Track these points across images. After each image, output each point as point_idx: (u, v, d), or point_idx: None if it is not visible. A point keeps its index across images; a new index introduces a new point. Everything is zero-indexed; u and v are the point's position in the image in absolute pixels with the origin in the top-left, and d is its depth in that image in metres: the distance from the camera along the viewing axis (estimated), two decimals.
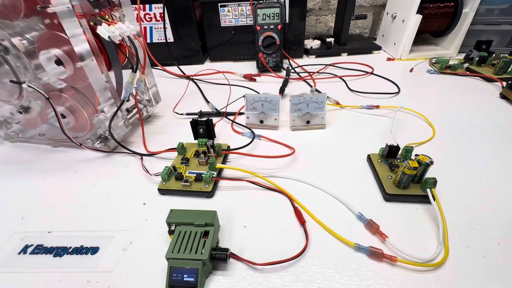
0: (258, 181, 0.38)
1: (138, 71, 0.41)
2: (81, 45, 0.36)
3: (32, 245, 0.32)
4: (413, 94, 0.62)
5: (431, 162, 0.32)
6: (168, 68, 0.80)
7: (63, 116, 0.44)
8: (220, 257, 0.27)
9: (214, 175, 0.38)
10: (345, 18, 0.82)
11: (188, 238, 0.28)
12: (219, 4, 0.77)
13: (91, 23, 0.37)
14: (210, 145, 0.42)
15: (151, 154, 0.46)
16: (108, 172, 0.44)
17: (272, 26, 0.73)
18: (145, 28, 0.80)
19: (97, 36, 0.39)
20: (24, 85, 0.38)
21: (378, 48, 0.87)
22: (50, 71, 0.38)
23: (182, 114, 0.58)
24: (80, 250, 0.31)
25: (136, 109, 0.50)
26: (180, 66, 0.81)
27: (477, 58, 0.69)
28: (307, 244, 0.30)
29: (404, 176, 0.33)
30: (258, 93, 0.66)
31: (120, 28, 0.37)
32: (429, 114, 0.52)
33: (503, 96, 0.57)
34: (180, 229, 0.29)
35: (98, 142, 0.44)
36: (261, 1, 0.73)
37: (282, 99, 0.62)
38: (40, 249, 0.31)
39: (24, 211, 0.37)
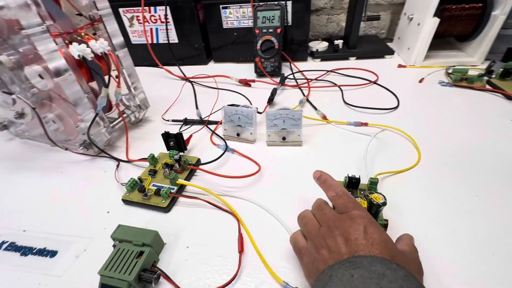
0: (213, 200, 0.39)
1: (111, 85, 0.43)
2: (57, 62, 0.39)
3: (7, 242, 0.37)
4: (413, 111, 0.56)
5: (384, 204, 0.30)
6: (171, 68, 0.82)
7: (54, 122, 0.48)
8: (146, 280, 0.29)
9: (173, 191, 0.40)
10: (355, 19, 0.77)
11: (124, 256, 0.30)
12: (220, 6, 0.76)
13: (66, 42, 0.40)
14: (176, 159, 0.43)
15: (128, 161, 0.49)
16: (88, 176, 0.47)
17: (271, 30, 0.70)
18: (151, 29, 0.82)
19: None
20: (13, 96, 0.42)
21: (391, 52, 0.80)
22: (35, 83, 0.42)
23: (168, 120, 0.60)
24: (42, 252, 0.35)
25: (119, 112, 0.53)
26: (185, 66, 0.83)
27: (501, 70, 0.61)
28: (235, 275, 0.30)
29: None
30: (249, 100, 0.66)
31: (93, 45, 0.39)
32: (421, 136, 0.48)
33: None
34: (119, 247, 0.31)
35: (81, 147, 0.48)
36: (262, 3, 0.71)
37: (269, 109, 0.61)
38: (12, 247, 0.36)
39: (9, 208, 0.42)
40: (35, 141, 0.58)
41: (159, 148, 0.49)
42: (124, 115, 0.54)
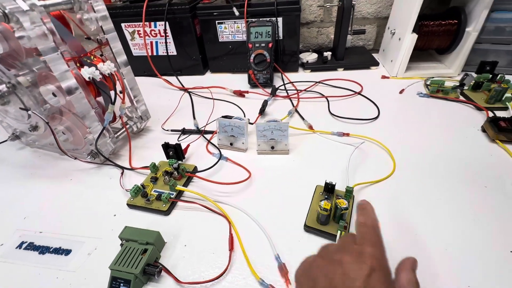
0: (208, 205, 0.44)
1: (117, 102, 0.48)
2: (69, 82, 0.44)
3: (26, 242, 0.42)
4: (391, 121, 0.62)
5: (346, 208, 0.35)
6: (170, 78, 0.87)
7: (63, 133, 0.53)
8: (150, 273, 0.34)
9: (172, 196, 0.45)
10: (342, 32, 0.82)
11: (131, 253, 0.35)
12: (216, 22, 0.82)
13: (78, 65, 0.45)
14: (175, 168, 0.48)
15: (131, 169, 0.54)
16: (95, 182, 0.52)
17: (263, 44, 0.76)
18: (151, 42, 0.88)
19: None
20: (29, 112, 0.47)
21: (376, 63, 0.86)
22: (49, 100, 0.47)
23: (167, 130, 0.65)
24: (58, 251, 0.40)
25: (123, 124, 0.58)
26: (182, 77, 0.88)
27: (473, 83, 0.66)
28: (226, 270, 0.35)
29: (319, 213, 0.36)
30: (243, 110, 0.71)
31: (101, 67, 0.44)
32: (397, 147, 0.53)
33: (483, 130, 0.55)
34: (126, 245, 0.36)
35: (89, 157, 0.53)
36: (254, 20, 0.76)
37: (261, 119, 0.66)
38: (31, 246, 0.41)
39: (26, 212, 0.47)
40: (45, 150, 0.63)
41: (159, 156, 0.54)
42: (127, 126, 0.59)
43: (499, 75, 0.66)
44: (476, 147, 0.52)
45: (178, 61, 0.90)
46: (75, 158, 0.54)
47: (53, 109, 0.52)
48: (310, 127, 0.61)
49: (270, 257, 0.37)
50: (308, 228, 0.39)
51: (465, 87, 0.67)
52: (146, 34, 0.85)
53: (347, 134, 0.57)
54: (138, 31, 0.86)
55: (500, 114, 0.59)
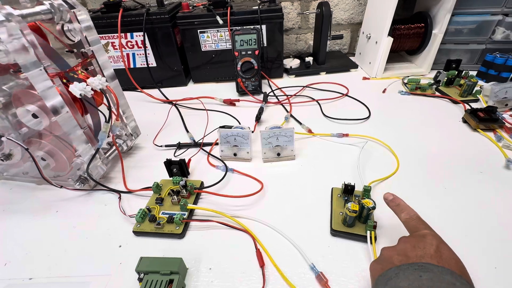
0: (225, 221, 0.41)
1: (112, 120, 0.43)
2: (54, 100, 0.39)
3: None
4: (383, 119, 0.65)
5: (373, 208, 0.36)
6: (151, 91, 0.82)
7: (43, 159, 0.46)
8: None
9: (185, 216, 0.41)
10: (322, 38, 0.85)
11: (155, 287, 0.31)
12: (198, 31, 0.79)
13: (64, 80, 0.40)
14: (182, 185, 0.44)
15: (129, 192, 0.49)
16: (88, 211, 0.46)
17: (250, 52, 0.75)
18: (127, 54, 0.82)
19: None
20: (3, 138, 0.41)
21: (355, 66, 0.90)
22: (27, 122, 0.41)
23: (161, 146, 0.60)
24: None
25: (114, 144, 0.53)
26: (164, 89, 0.84)
27: (445, 79, 0.73)
28: None
29: (347, 216, 0.36)
30: (237, 119, 0.69)
31: (91, 82, 0.39)
32: (395, 143, 0.55)
33: (464, 121, 0.60)
34: (147, 278, 0.32)
35: (77, 183, 0.46)
36: (239, 28, 0.75)
37: (258, 126, 0.65)
38: None
39: (7, 257, 0.40)
40: (16, 181, 0.54)
41: (156, 175, 0.50)
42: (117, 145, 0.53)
43: (464, 71, 0.74)
44: (462, 137, 0.57)
45: (159, 72, 0.85)
46: (61, 187, 0.47)
47: (30, 133, 0.45)
48: (310, 131, 0.61)
49: (304, 267, 0.35)
50: (335, 232, 0.38)
51: (440, 84, 0.74)
52: (122, 46, 0.80)
53: (347, 135, 0.59)
54: (113, 43, 0.80)
55: (473, 105, 0.65)
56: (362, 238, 0.37)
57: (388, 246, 0.30)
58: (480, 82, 0.73)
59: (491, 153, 0.51)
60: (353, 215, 0.36)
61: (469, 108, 0.61)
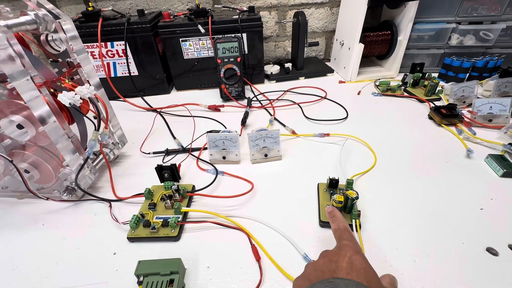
0: (220, 221, 0.43)
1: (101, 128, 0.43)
2: (41, 109, 0.38)
3: None
4: (359, 119, 0.70)
5: (357, 198, 0.39)
6: (133, 100, 0.82)
7: (27, 172, 0.45)
8: None
9: (179, 219, 0.42)
10: (300, 45, 0.90)
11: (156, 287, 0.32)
12: (180, 40, 0.81)
13: (52, 89, 0.39)
14: (175, 190, 0.45)
15: (120, 200, 0.48)
16: (77, 222, 0.45)
17: (232, 59, 0.78)
18: (108, 63, 0.81)
19: (56, 96, 0.41)
20: None
21: (331, 71, 0.96)
22: (11, 133, 0.40)
23: (149, 153, 0.60)
24: None
25: (102, 153, 0.53)
26: (147, 97, 0.84)
27: (412, 81, 0.80)
28: (261, 280, 0.34)
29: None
30: (223, 124, 0.71)
31: (80, 91, 0.40)
32: (371, 139, 0.60)
33: (430, 117, 0.67)
34: (147, 280, 0.33)
35: (65, 194, 0.46)
36: (220, 36, 0.78)
37: (244, 130, 0.67)
38: None
39: None
40: None
41: (146, 182, 0.50)
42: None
43: (427, 73, 0.82)
44: (429, 131, 0.63)
45: (141, 81, 0.85)
46: (47, 199, 0.46)
47: (13, 145, 0.44)
48: (293, 132, 0.64)
49: (298, 257, 0.37)
50: (323, 223, 0.41)
51: (407, 86, 0.81)
52: (102, 55, 0.79)
53: (328, 134, 0.63)
54: (92, 52, 0.79)
55: (437, 103, 0.72)
56: (350, 227, 0.40)
57: (313, 261, 0.30)
58: (441, 83, 0.81)
59: (454, 145, 0.58)
60: (339, 205, 0.39)
61: (433, 106, 0.68)
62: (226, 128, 0.69)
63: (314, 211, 0.44)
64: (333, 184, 0.45)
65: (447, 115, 0.63)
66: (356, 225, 0.39)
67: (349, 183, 0.45)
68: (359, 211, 0.40)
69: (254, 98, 0.81)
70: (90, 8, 0.76)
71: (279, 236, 0.41)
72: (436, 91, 0.75)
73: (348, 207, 0.41)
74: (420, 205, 0.44)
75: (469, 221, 0.41)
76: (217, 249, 0.40)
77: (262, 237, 0.41)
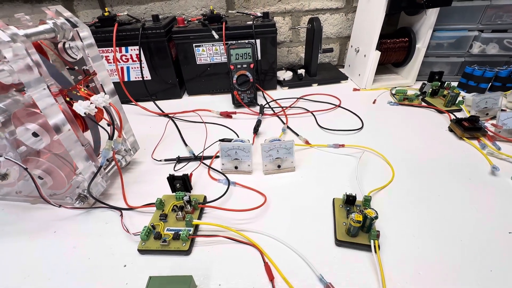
0: (231, 235, 0.42)
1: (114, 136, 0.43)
2: (57, 118, 0.38)
3: None
4: (375, 129, 0.68)
5: (376, 217, 0.37)
6: (146, 104, 0.82)
7: (40, 178, 0.45)
8: None
9: (190, 232, 0.41)
10: (313, 51, 0.88)
11: None
12: (194, 45, 0.81)
13: (67, 98, 0.39)
14: (187, 201, 0.44)
15: (131, 209, 0.48)
16: (88, 230, 0.45)
17: (245, 65, 0.77)
18: (121, 68, 0.82)
19: (72, 104, 0.41)
20: (1, 158, 0.39)
21: (346, 78, 0.94)
22: (26, 141, 0.40)
23: (160, 160, 0.60)
24: None
25: (114, 160, 0.52)
26: (159, 101, 0.84)
27: (430, 90, 0.77)
28: None
29: (351, 226, 0.38)
30: (234, 131, 0.70)
31: (95, 100, 0.39)
32: (388, 152, 0.58)
33: (450, 130, 0.64)
34: None
35: (77, 202, 0.45)
36: (234, 42, 0.77)
37: (256, 138, 0.66)
38: None
39: (5, 282, 0.38)
40: (7, 201, 0.52)
41: (157, 190, 0.50)
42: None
43: (446, 82, 0.79)
44: (450, 145, 0.60)
45: (153, 85, 0.85)
46: (60, 206, 0.46)
47: (28, 151, 0.44)
48: (307, 142, 0.63)
49: (313, 279, 0.36)
50: (340, 242, 0.39)
51: (426, 95, 0.78)
52: (116, 59, 0.79)
53: (343, 145, 0.61)
54: (107, 56, 0.79)
55: (457, 115, 0.69)
56: (366, 247, 0.38)
57: None
58: (462, 93, 0.78)
59: (477, 160, 0.55)
60: (357, 225, 0.37)
61: (454, 117, 0.65)
62: (238, 136, 0.68)
63: (329, 228, 0.42)
64: (350, 200, 0.43)
65: (469, 128, 0.60)
66: (375, 246, 0.37)
67: (367, 200, 0.43)
68: (378, 231, 0.38)
69: (266, 105, 0.80)
70: (106, 13, 0.76)
71: (293, 253, 0.39)
72: (457, 102, 0.72)
73: (367, 227, 0.39)
74: (443, 225, 0.42)
75: (496, 246, 0.39)
76: (229, 266, 0.38)
77: (275, 254, 0.39)
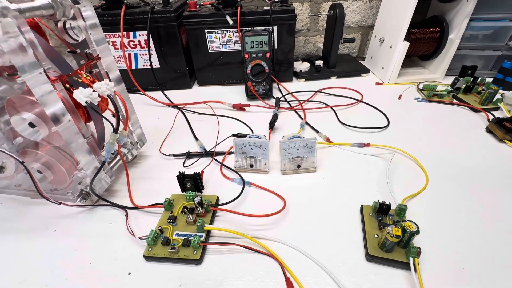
0: (247, 242, 0.37)
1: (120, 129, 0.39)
2: (55, 107, 0.34)
3: None
4: (403, 128, 0.62)
5: (417, 232, 0.32)
6: (154, 94, 0.77)
7: (39, 172, 0.41)
8: None
9: (202, 239, 0.37)
10: (334, 42, 0.82)
11: None
12: (206, 31, 0.75)
13: (67, 85, 0.35)
14: (198, 203, 0.40)
15: (137, 208, 0.44)
16: (90, 231, 0.41)
17: (260, 54, 0.71)
18: (129, 54, 0.77)
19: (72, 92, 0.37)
20: None
21: (367, 71, 0.87)
22: (22, 132, 0.36)
23: (169, 155, 0.56)
24: None
25: (120, 154, 0.48)
26: (168, 91, 0.79)
27: (464, 86, 0.70)
28: None
29: (387, 241, 0.33)
30: (248, 126, 0.65)
31: (98, 88, 0.35)
32: (419, 153, 0.52)
33: (489, 131, 0.58)
34: None
35: (79, 199, 0.42)
36: (249, 29, 0.71)
37: (272, 134, 0.61)
38: None
39: (1, 284, 0.34)
40: (6, 194, 0.49)
41: (165, 188, 0.46)
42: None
43: (479, 78, 0.72)
44: (489, 148, 0.54)
45: (162, 74, 0.80)
46: (60, 203, 0.42)
47: (25, 143, 0.40)
48: (328, 140, 0.57)
49: None
50: (371, 258, 0.34)
51: (459, 91, 0.71)
52: (124, 45, 0.75)
53: (368, 145, 0.55)
54: (113, 42, 0.75)
55: (495, 114, 0.63)
56: (402, 265, 0.33)
57: None
58: (500, 90, 0.70)
59: None
60: (395, 240, 0.32)
61: (494, 117, 0.59)
62: (252, 131, 0.63)
63: (358, 239, 0.38)
64: (383, 210, 0.38)
65: (511, 130, 0.54)
66: (414, 265, 0.32)
67: (402, 210, 0.38)
68: (419, 248, 0.33)
69: (282, 98, 0.74)
70: None
71: (319, 269, 0.35)
72: (494, 100, 0.66)
73: (404, 241, 0.34)
74: (487, 240, 0.37)
75: None
76: (245, 279, 0.34)
77: (297, 267, 0.35)
